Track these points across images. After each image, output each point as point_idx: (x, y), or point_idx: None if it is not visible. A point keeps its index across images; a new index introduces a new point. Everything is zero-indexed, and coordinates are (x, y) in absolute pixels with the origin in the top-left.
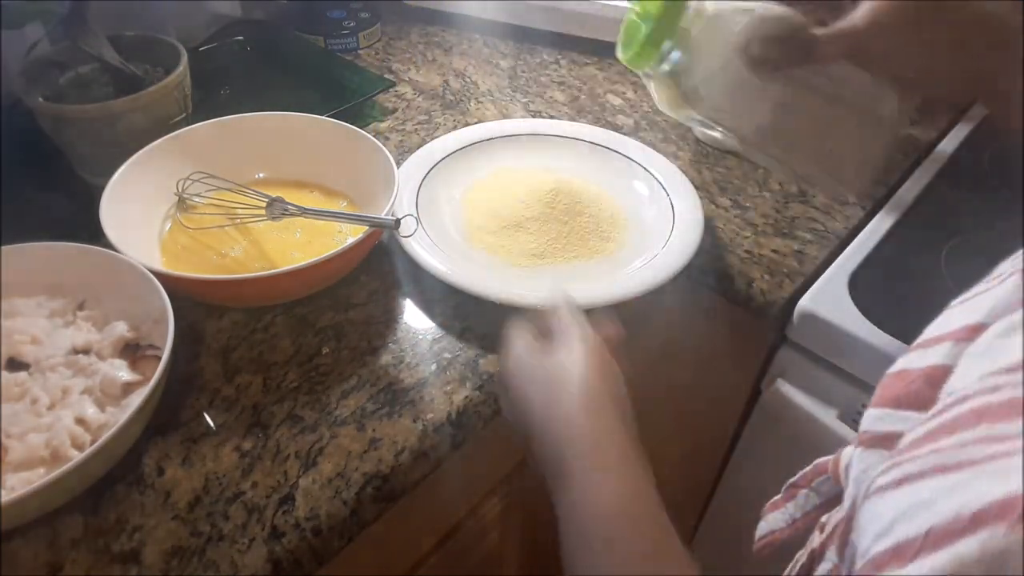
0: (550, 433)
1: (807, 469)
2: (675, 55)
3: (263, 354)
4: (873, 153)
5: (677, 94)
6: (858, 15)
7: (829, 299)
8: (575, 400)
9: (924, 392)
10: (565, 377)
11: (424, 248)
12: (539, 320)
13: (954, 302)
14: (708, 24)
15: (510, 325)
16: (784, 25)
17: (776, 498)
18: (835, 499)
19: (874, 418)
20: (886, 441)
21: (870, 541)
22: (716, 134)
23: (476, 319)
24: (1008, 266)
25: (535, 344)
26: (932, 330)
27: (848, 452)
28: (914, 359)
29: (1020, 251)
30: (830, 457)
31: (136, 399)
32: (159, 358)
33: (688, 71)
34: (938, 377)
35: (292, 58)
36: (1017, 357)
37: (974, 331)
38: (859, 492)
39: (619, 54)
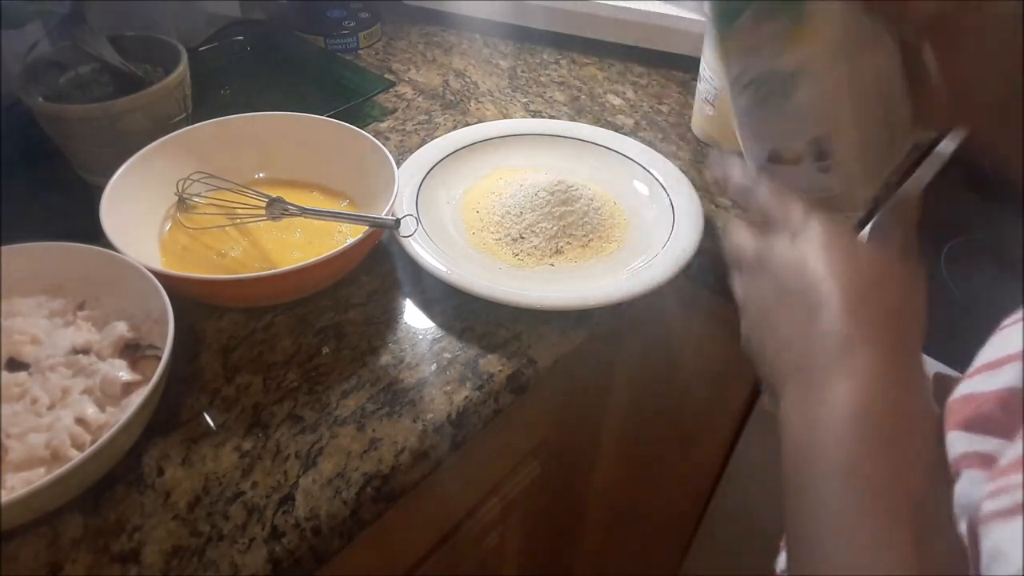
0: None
1: None
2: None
3: (263, 354)
4: (881, 162)
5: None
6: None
7: None
8: (830, 296)
9: (999, 416)
10: (804, 273)
11: (424, 248)
12: (752, 216)
13: (1006, 322)
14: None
15: (729, 233)
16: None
17: None
18: None
19: (952, 443)
20: (969, 460)
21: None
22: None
23: (476, 319)
24: None
25: (761, 241)
26: (990, 353)
27: None
28: (979, 383)
29: None
30: None
31: (136, 399)
32: (159, 358)
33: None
34: (1013, 400)
35: (292, 58)
36: None
37: None
38: (969, 518)
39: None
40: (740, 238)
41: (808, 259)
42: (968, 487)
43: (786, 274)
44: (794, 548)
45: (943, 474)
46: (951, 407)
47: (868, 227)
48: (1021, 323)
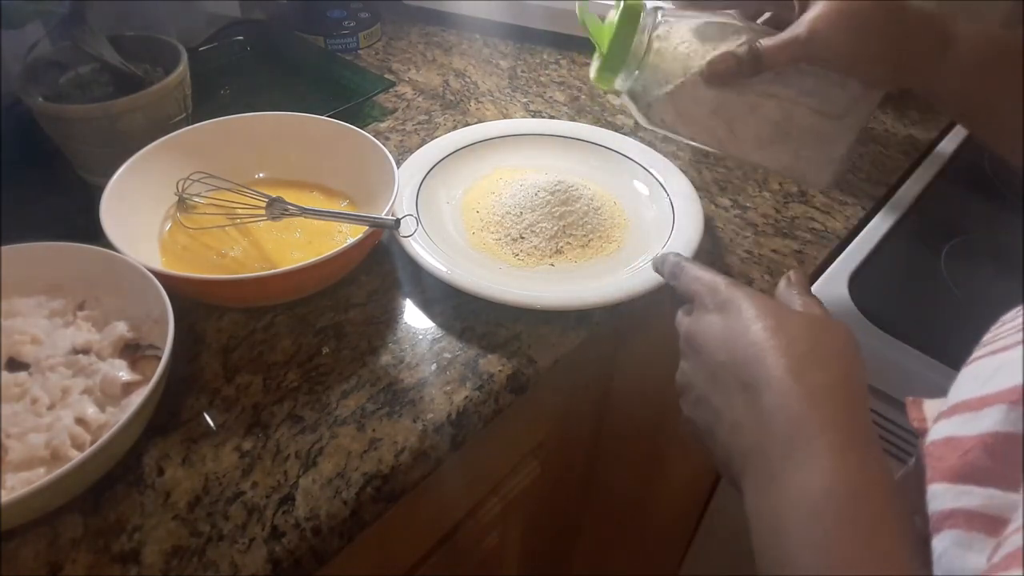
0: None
1: None
2: (633, 75)
3: (263, 354)
4: (836, 149)
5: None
6: (802, 22)
7: (829, 299)
8: (769, 366)
9: (985, 463)
10: (733, 341)
11: (424, 248)
12: (680, 297)
13: (976, 354)
14: (658, 48)
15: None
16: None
17: None
18: None
19: (935, 496)
20: (954, 519)
21: None
22: None
23: (476, 319)
24: None
25: (695, 320)
26: (966, 389)
27: None
28: (961, 424)
29: None
30: None
31: (136, 399)
32: (159, 358)
33: (644, 90)
34: (999, 447)
35: (292, 58)
36: None
37: None
38: None
39: (591, 74)
40: (676, 321)
41: (736, 332)
42: (952, 549)
43: (714, 349)
44: None
45: (918, 531)
46: (932, 452)
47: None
48: (997, 356)
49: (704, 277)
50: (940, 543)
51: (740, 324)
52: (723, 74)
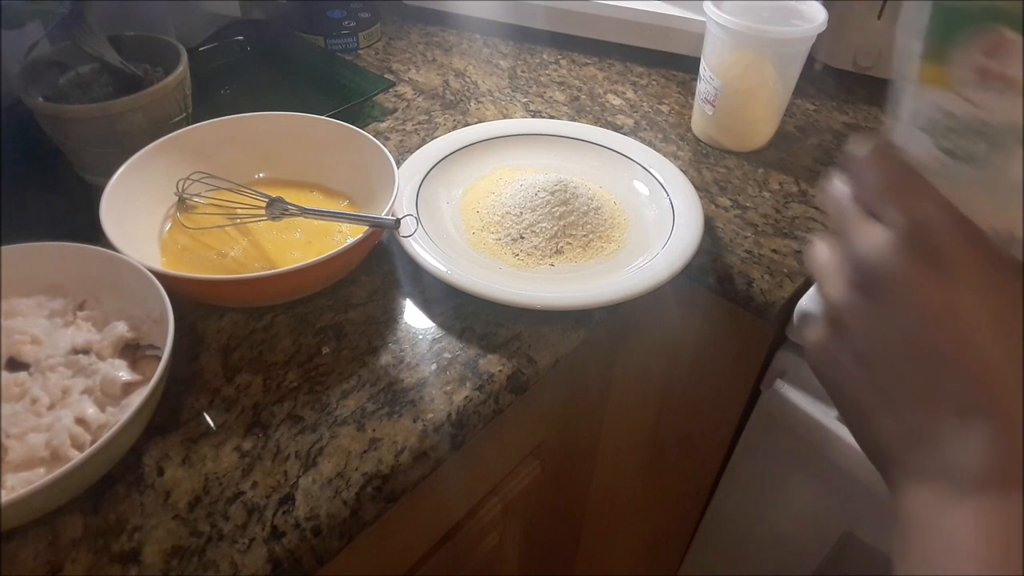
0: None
1: None
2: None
3: (263, 354)
4: None
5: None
6: None
7: None
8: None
9: None
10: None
11: (424, 248)
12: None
13: None
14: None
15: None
16: None
17: None
18: None
19: None
20: None
21: None
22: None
23: (476, 319)
24: None
25: (904, 252)
26: None
27: None
28: None
29: None
30: None
31: (136, 399)
32: (159, 358)
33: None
34: None
35: (292, 58)
36: None
37: None
38: None
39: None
40: (875, 244)
41: (962, 316)
42: None
43: (929, 321)
44: None
45: None
46: None
47: None
48: None
49: (923, 206)
50: None
51: (970, 309)
52: None
